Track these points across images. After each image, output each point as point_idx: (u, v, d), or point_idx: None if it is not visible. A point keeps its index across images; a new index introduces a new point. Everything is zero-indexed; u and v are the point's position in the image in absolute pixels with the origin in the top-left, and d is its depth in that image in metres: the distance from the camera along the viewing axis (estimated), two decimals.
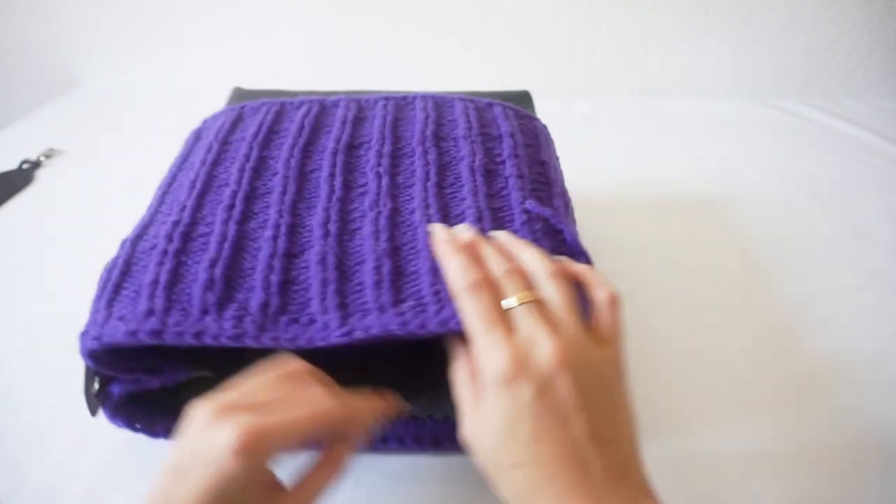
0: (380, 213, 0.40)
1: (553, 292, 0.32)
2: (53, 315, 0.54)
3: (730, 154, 0.83)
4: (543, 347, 0.29)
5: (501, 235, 0.37)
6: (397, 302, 0.34)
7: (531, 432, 0.29)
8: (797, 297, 0.57)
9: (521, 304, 0.31)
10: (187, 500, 0.26)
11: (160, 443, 0.42)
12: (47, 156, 0.83)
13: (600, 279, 0.34)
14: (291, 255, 0.37)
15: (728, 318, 0.55)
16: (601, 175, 0.74)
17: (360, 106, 0.52)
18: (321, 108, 0.51)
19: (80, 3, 1.05)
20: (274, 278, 0.35)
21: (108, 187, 0.76)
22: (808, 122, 0.91)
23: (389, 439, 0.40)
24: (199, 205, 0.41)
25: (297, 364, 0.32)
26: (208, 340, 0.33)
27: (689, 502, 0.40)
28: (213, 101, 1.00)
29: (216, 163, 0.45)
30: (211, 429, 0.27)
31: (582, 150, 0.61)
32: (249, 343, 0.33)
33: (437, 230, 0.38)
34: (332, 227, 0.39)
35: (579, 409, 0.29)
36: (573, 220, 0.44)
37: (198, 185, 0.43)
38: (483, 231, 0.38)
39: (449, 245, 0.35)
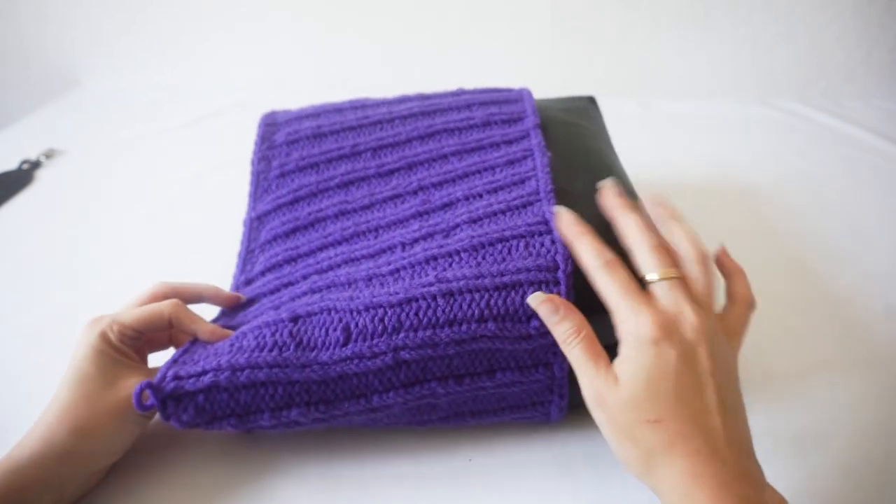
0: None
1: (698, 275, 0.34)
2: (53, 314, 0.54)
3: (730, 154, 0.83)
4: (688, 318, 0.32)
5: (655, 203, 0.39)
6: None
7: (673, 391, 0.30)
8: (795, 297, 0.57)
9: (665, 279, 0.33)
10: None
11: (161, 441, 0.42)
12: (47, 156, 0.83)
13: (744, 281, 0.38)
14: None
15: None
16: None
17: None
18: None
19: (80, 3, 1.05)
20: None
21: (108, 187, 0.76)
22: (808, 122, 0.91)
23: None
24: None
25: None
26: None
27: None
28: (213, 102, 1.00)
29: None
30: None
31: None
32: None
33: (563, 212, 0.39)
34: None
35: (713, 379, 0.31)
36: None
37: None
38: None
39: (575, 227, 0.37)
